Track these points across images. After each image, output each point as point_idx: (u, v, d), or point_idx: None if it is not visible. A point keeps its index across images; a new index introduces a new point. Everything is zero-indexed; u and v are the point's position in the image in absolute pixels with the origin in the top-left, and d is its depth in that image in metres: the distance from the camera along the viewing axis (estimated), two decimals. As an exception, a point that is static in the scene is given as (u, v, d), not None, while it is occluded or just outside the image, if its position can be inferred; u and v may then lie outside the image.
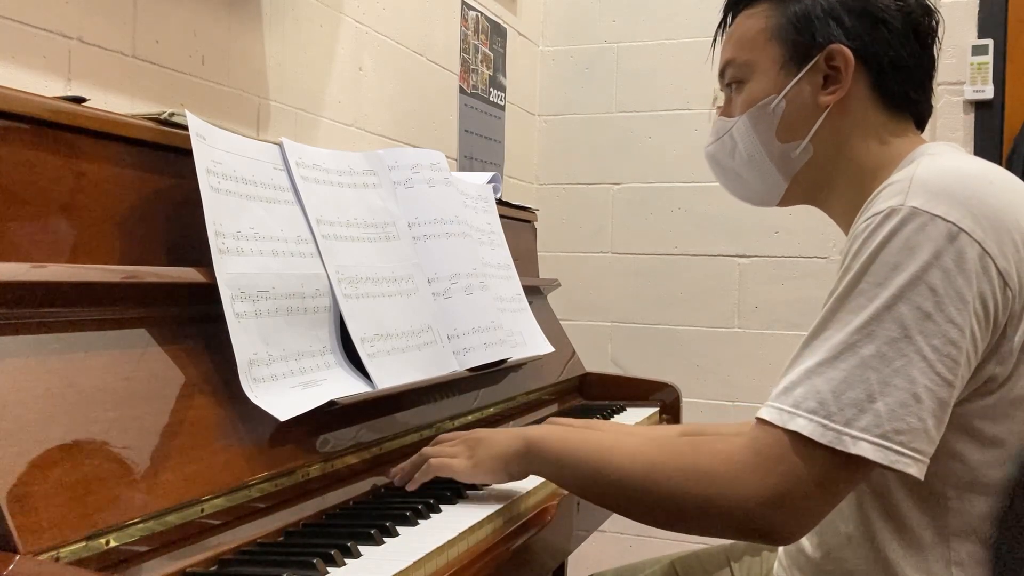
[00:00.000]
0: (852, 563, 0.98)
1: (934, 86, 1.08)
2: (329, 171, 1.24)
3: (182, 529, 0.86)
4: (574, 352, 1.99)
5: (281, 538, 0.96)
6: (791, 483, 0.85)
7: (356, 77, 2.07)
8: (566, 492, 1.14)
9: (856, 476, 0.87)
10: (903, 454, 0.83)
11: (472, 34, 2.60)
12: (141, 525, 0.81)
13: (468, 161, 2.57)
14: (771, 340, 2.81)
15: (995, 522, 0.91)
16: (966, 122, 2.60)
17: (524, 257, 1.94)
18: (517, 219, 1.96)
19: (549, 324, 1.83)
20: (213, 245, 0.98)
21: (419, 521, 1.01)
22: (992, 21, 2.57)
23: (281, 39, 1.80)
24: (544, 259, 2.47)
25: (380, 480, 1.16)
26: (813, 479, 0.85)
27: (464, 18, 2.55)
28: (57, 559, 0.73)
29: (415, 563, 0.87)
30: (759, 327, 2.83)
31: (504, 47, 2.81)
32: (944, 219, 0.86)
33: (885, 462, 0.83)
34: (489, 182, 1.74)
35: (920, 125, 1.08)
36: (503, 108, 2.81)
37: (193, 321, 0.98)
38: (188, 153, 1.00)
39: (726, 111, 1.13)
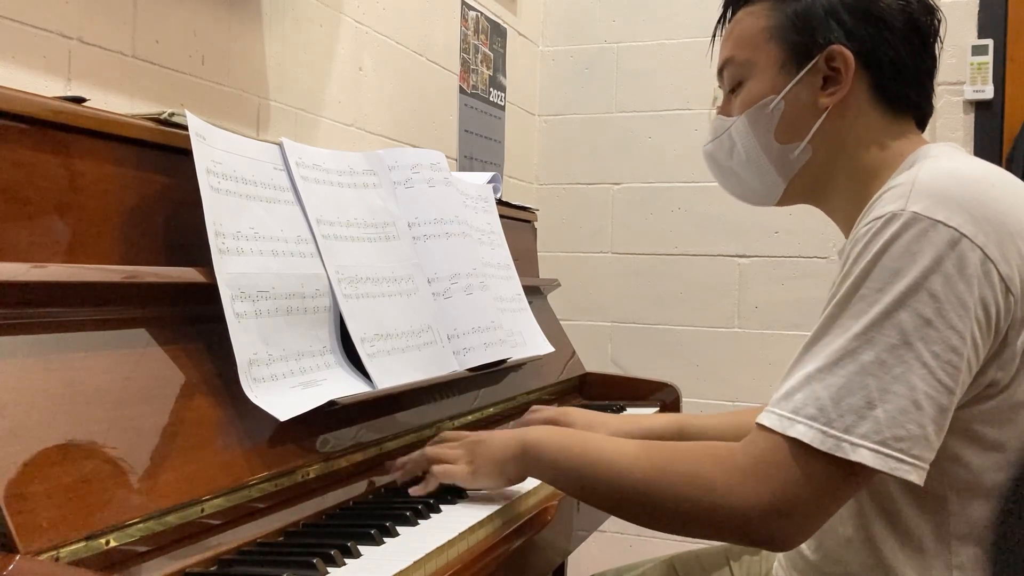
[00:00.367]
0: (851, 566, 0.98)
1: (935, 85, 1.07)
2: (329, 171, 1.24)
3: (182, 529, 0.86)
4: (574, 352, 1.99)
5: (281, 538, 0.96)
6: (791, 490, 0.85)
7: (356, 77, 2.07)
8: (566, 492, 1.14)
9: (856, 483, 0.86)
10: (903, 461, 0.83)
11: (472, 34, 2.60)
12: (141, 525, 0.81)
13: (468, 161, 2.57)
14: (771, 340, 2.81)
15: (996, 525, 0.91)
16: (966, 122, 2.60)
17: (524, 257, 1.94)
18: (517, 219, 1.96)
19: (549, 324, 1.83)
20: (213, 245, 0.98)
21: (419, 521, 1.01)
22: (992, 21, 2.57)
23: (281, 39, 1.80)
24: (544, 259, 2.47)
25: (380, 480, 1.16)
26: (813, 486, 0.85)
27: (464, 18, 2.55)
28: (57, 559, 0.73)
29: (415, 563, 0.87)
30: (759, 327, 2.83)
31: (504, 47, 2.81)
32: (946, 224, 0.85)
33: (885, 469, 0.83)
34: (489, 182, 1.74)
35: (921, 125, 1.07)
36: (503, 108, 2.81)
37: (193, 321, 0.98)
38: (188, 153, 1.00)
39: (724, 110, 1.12)
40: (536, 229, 2.14)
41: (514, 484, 1.09)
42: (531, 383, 1.69)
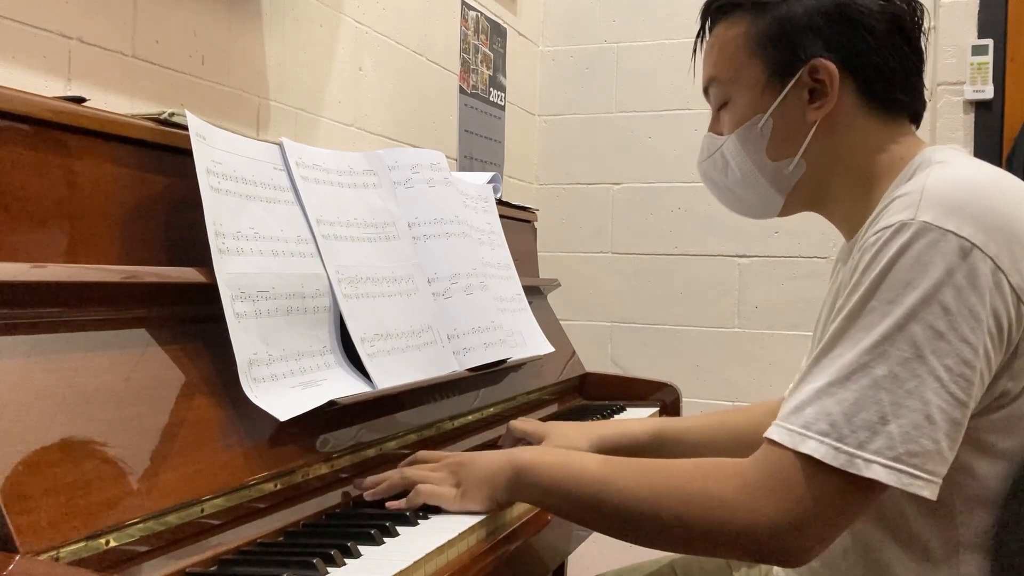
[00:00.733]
0: (852, 574, 0.98)
1: (931, 86, 1.06)
2: (329, 171, 1.24)
3: (182, 529, 0.86)
4: (574, 352, 1.99)
5: (281, 538, 0.96)
6: (803, 507, 0.83)
7: (356, 77, 2.07)
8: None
9: (869, 499, 0.85)
10: (917, 477, 0.82)
11: (472, 34, 2.60)
12: (141, 525, 0.81)
13: (468, 161, 2.57)
14: (771, 340, 2.81)
15: (1003, 535, 0.90)
16: (966, 122, 2.60)
17: (524, 257, 1.94)
18: (517, 219, 1.96)
19: (549, 324, 1.83)
20: (213, 245, 0.98)
21: (419, 521, 1.01)
22: (992, 21, 2.57)
23: (281, 39, 1.80)
24: (544, 259, 2.47)
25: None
26: (825, 503, 0.83)
27: (464, 18, 2.55)
28: (57, 559, 0.73)
29: (415, 563, 0.87)
30: (759, 327, 2.83)
31: (504, 47, 2.81)
32: (956, 234, 0.84)
33: (899, 485, 0.81)
34: (489, 182, 1.74)
35: (916, 121, 1.05)
36: (503, 108, 2.81)
37: (193, 321, 0.98)
38: (188, 153, 1.00)
39: (715, 127, 1.11)
40: (536, 229, 2.14)
41: (503, 508, 1.05)
42: (531, 383, 1.69)
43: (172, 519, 0.85)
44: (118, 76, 1.43)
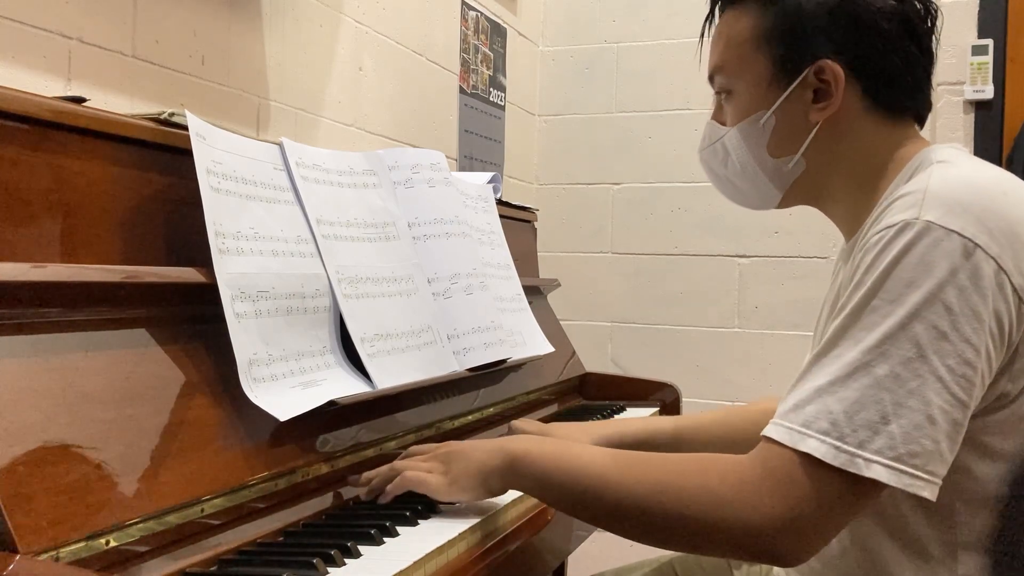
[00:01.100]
0: (851, 574, 0.98)
1: (933, 83, 1.05)
2: (329, 171, 1.24)
3: (182, 529, 0.86)
4: (574, 352, 1.99)
5: (281, 538, 0.96)
6: (803, 506, 0.83)
7: (356, 77, 2.07)
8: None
9: (869, 498, 0.85)
10: (917, 477, 0.81)
11: (472, 34, 2.60)
12: (141, 525, 0.81)
13: (468, 161, 2.57)
14: (771, 340, 2.81)
15: (1002, 535, 0.90)
16: (966, 122, 2.60)
17: (524, 257, 1.94)
18: (517, 219, 1.96)
19: (549, 324, 1.83)
20: (213, 245, 0.98)
21: (419, 521, 1.01)
22: (992, 21, 2.57)
23: (281, 39, 1.80)
24: (544, 259, 2.47)
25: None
26: (825, 502, 0.83)
27: (464, 18, 2.55)
28: (57, 559, 0.73)
29: (415, 563, 0.87)
30: (759, 327, 2.83)
31: (504, 47, 2.81)
32: (960, 234, 0.84)
33: (899, 485, 0.81)
34: (489, 182, 1.74)
35: (920, 121, 1.05)
36: (503, 108, 2.81)
37: (193, 321, 0.98)
38: (188, 153, 1.00)
39: (717, 116, 1.10)
40: (536, 229, 2.14)
41: (494, 497, 1.04)
42: (531, 383, 1.69)
43: (172, 519, 0.85)
44: (118, 76, 1.43)
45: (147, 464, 0.84)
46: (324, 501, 1.05)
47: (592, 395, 1.96)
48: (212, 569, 0.86)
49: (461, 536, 0.97)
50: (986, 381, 0.85)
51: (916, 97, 1.02)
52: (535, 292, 1.87)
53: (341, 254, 1.18)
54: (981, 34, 2.58)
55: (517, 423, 1.33)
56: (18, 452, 0.74)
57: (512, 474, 0.99)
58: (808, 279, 2.76)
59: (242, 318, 0.99)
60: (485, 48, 2.68)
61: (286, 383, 1.02)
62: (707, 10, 1.12)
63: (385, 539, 0.94)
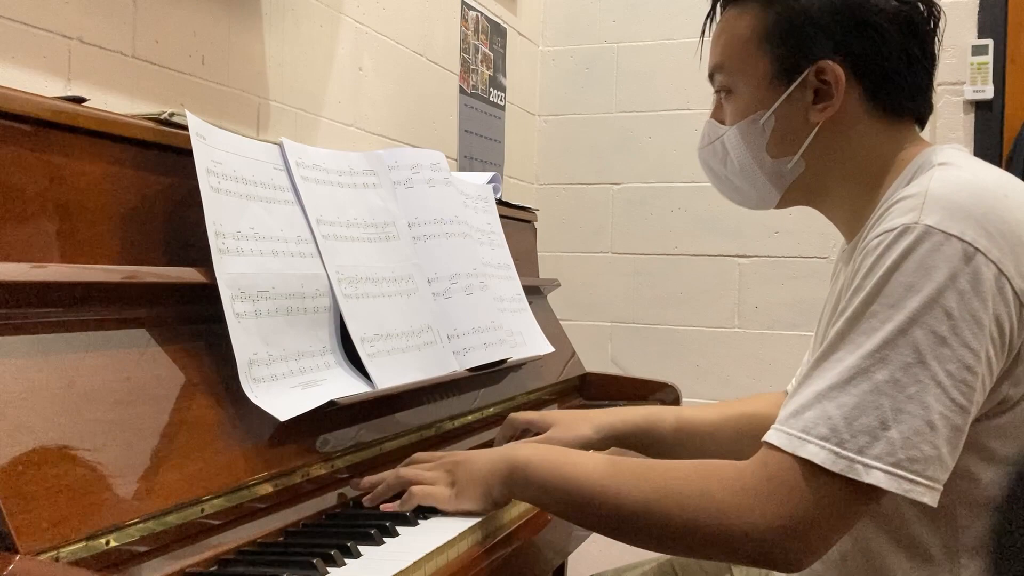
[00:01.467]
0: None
1: (934, 85, 1.05)
2: (329, 171, 1.24)
3: (182, 529, 0.86)
4: (574, 352, 1.99)
5: (281, 538, 0.96)
6: (803, 512, 0.83)
7: (356, 77, 2.07)
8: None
9: (869, 504, 0.84)
10: (917, 483, 0.81)
11: (472, 34, 2.60)
12: (141, 525, 0.81)
13: (468, 161, 2.57)
14: (771, 340, 2.81)
15: (1003, 539, 0.90)
16: (966, 122, 2.60)
17: (524, 257, 1.94)
18: (517, 219, 1.96)
19: (549, 324, 1.83)
20: (213, 245, 0.98)
21: (419, 521, 1.01)
22: (992, 21, 2.57)
23: (281, 39, 1.80)
24: (544, 259, 2.47)
25: (380, 480, 1.15)
26: (825, 508, 0.83)
27: (464, 18, 2.55)
28: (57, 559, 0.73)
29: (415, 563, 0.87)
30: (759, 327, 2.83)
31: (504, 47, 2.81)
32: (960, 239, 0.83)
33: (899, 491, 0.81)
34: (489, 182, 1.74)
35: (921, 123, 1.04)
36: (503, 108, 2.81)
37: (193, 321, 0.98)
38: (188, 153, 1.00)
39: (717, 114, 1.10)
40: (536, 229, 2.14)
41: (500, 507, 1.04)
42: (531, 383, 1.69)
43: (172, 519, 0.85)
44: (118, 76, 1.43)
45: (147, 464, 0.84)
46: (324, 501, 1.05)
47: (592, 395, 1.96)
48: (212, 569, 0.86)
49: (461, 536, 0.97)
50: (987, 386, 0.85)
51: (917, 99, 1.02)
52: (535, 292, 1.87)
53: (341, 254, 1.18)
54: (981, 34, 2.58)
55: (517, 414, 1.32)
56: (18, 452, 0.74)
57: (514, 484, 1.00)
58: (808, 279, 2.76)
59: (242, 318, 0.99)
60: (485, 48, 2.68)
61: (286, 383, 1.02)
62: (707, 9, 1.12)
63: (385, 539, 0.94)
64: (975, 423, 0.86)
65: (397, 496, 1.05)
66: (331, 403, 1.05)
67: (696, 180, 2.86)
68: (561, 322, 2.04)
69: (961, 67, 2.57)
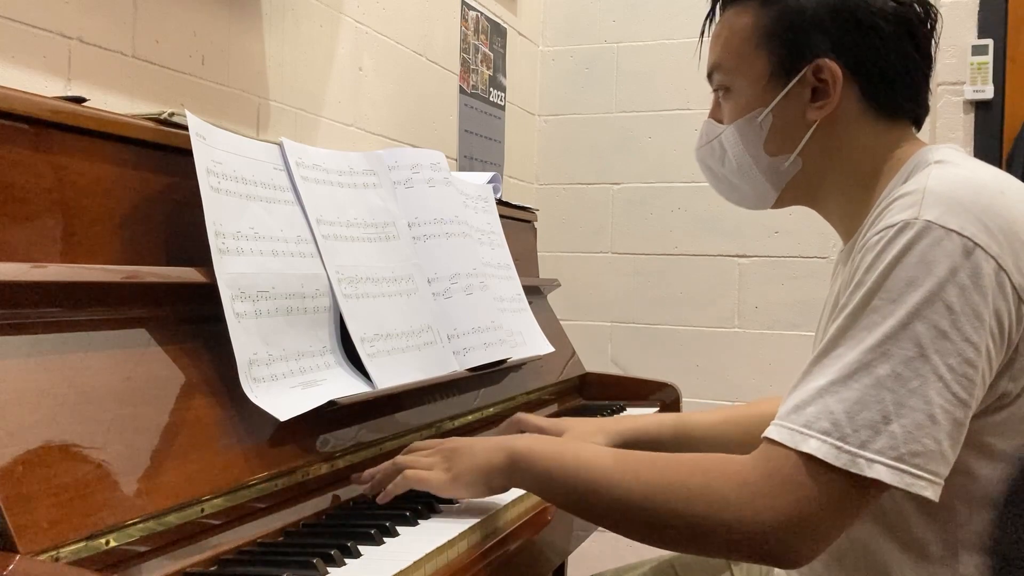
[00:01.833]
0: (852, 574, 0.97)
1: (932, 86, 1.05)
2: (329, 171, 1.24)
3: (182, 529, 0.86)
4: (574, 352, 1.99)
5: (281, 538, 0.96)
6: (805, 507, 0.83)
7: (356, 77, 2.07)
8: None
9: (870, 499, 0.84)
10: (919, 477, 0.81)
11: (472, 34, 2.60)
12: (141, 525, 0.81)
13: (468, 161, 2.57)
14: (771, 340, 2.81)
15: (1002, 536, 0.90)
16: (966, 122, 2.60)
17: (524, 257, 1.94)
18: (517, 219, 1.96)
19: (549, 324, 1.83)
20: (213, 245, 0.98)
21: (419, 521, 1.01)
22: (992, 21, 2.57)
23: (281, 39, 1.80)
24: (544, 259, 2.47)
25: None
26: (827, 502, 0.83)
27: (464, 18, 2.55)
28: (57, 559, 0.73)
29: (415, 563, 0.87)
30: (759, 327, 2.83)
31: (504, 47, 2.81)
32: (960, 233, 0.84)
33: (901, 485, 0.81)
34: (489, 182, 1.74)
35: (917, 124, 1.05)
36: (503, 108, 2.81)
37: (193, 321, 0.98)
38: (188, 153, 1.00)
39: (715, 113, 1.11)
40: (536, 229, 2.14)
41: (496, 494, 1.04)
42: (531, 383, 1.69)
43: (172, 519, 0.85)
44: (118, 76, 1.43)
45: (147, 464, 0.84)
46: (324, 501, 1.06)
47: (592, 395, 1.96)
48: (212, 569, 0.86)
49: (461, 536, 0.97)
50: (987, 380, 0.85)
51: (914, 99, 1.02)
52: (535, 292, 1.87)
53: (341, 254, 1.18)
54: (981, 34, 2.57)
55: (527, 416, 1.31)
56: (18, 452, 0.74)
57: (514, 472, 0.99)
58: (808, 279, 2.76)
59: (242, 318, 0.99)
60: (485, 48, 2.68)
61: (286, 383, 1.02)
62: (707, 9, 1.12)
63: (385, 539, 0.94)
64: (975, 419, 0.86)
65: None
66: (331, 403, 1.05)
67: (696, 180, 2.86)
68: (561, 322, 2.04)
69: (961, 67, 2.57)
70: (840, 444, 0.82)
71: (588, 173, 3.04)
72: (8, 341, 0.78)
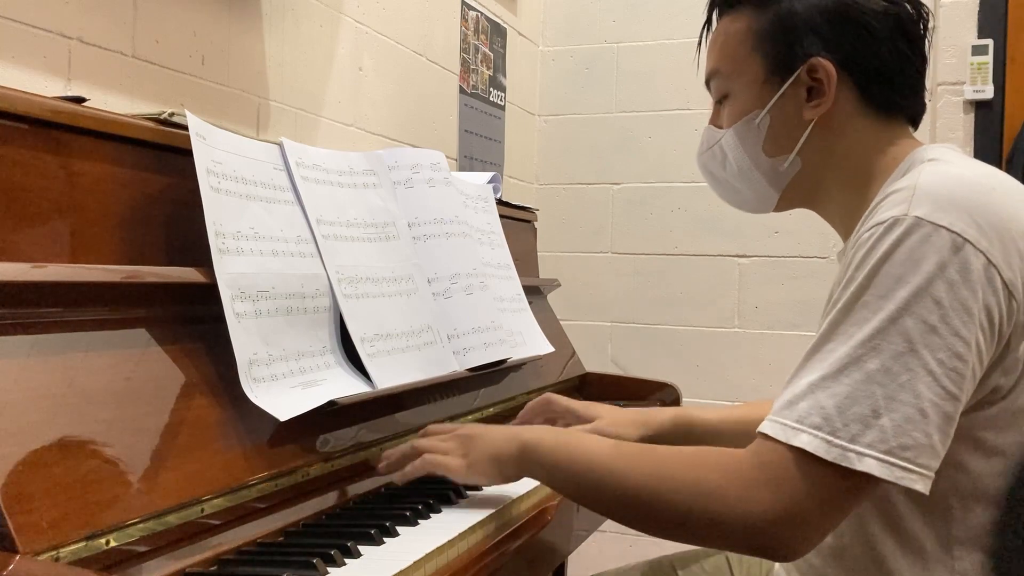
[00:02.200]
0: (851, 570, 0.98)
1: (926, 84, 1.06)
2: (329, 171, 1.24)
3: (182, 529, 0.86)
4: (574, 352, 1.99)
5: (281, 538, 0.96)
6: (797, 500, 0.84)
7: (356, 77, 2.07)
8: (566, 493, 1.13)
9: (862, 492, 0.85)
10: (909, 470, 0.82)
11: (472, 34, 2.60)
12: (141, 525, 0.81)
13: (468, 161, 2.57)
14: (771, 340, 2.81)
15: (998, 531, 0.90)
16: (966, 122, 2.60)
17: (524, 257, 1.94)
18: (517, 219, 1.96)
19: (549, 324, 1.83)
20: (213, 245, 0.98)
21: (419, 521, 1.01)
22: (992, 21, 2.57)
23: (281, 39, 1.80)
24: (544, 259, 2.47)
25: (381, 480, 1.16)
26: (819, 496, 0.84)
27: (464, 18, 2.55)
28: (57, 559, 0.73)
29: (415, 563, 0.87)
30: (759, 327, 2.83)
31: (504, 47, 2.81)
32: (949, 229, 0.84)
33: (891, 478, 0.82)
34: (489, 182, 1.74)
35: (914, 123, 1.06)
36: (503, 108, 2.81)
37: (193, 321, 0.98)
38: (188, 153, 1.00)
39: (715, 120, 1.13)
40: (536, 229, 2.14)
41: (510, 482, 1.07)
42: (531, 383, 1.69)
43: (172, 519, 0.85)
44: (118, 76, 1.43)
45: (147, 464, 0.84)
46: (324, 501, 1.06)
47: (592, 395, 1.96)
48: (212, 569, 0.86)
49: (461, 536, 0.97)
50: (977, 375, 0.86)
51: (909, 97, 1.03)
52: (535, 292, 1.87)
53: (341, 254, 1.18)
54: (981, 34, 2.57)
55: (560, 398, 1.33)
56: (18, 452, 0.74)
57: (524, 462, 1.03)
58: (808, 279, 2.76)
59: (242, 318, 0.99)
60: (485, 48, 2.68)
61: (286, 383, 1.02)
62: (707, 10, 1.13)
63: (385, 539, 0.94)
64: (967, 414, 0.87)
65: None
66: (331, 403, 1.05)
67: (696, 180, 2.86)
68: (561, 322, 2.04)
69: (961, 67, 2.57)
70: (831, 438, 0.83)
71: (588, 173, 3.03)
72: (8, 341, 0.78)
